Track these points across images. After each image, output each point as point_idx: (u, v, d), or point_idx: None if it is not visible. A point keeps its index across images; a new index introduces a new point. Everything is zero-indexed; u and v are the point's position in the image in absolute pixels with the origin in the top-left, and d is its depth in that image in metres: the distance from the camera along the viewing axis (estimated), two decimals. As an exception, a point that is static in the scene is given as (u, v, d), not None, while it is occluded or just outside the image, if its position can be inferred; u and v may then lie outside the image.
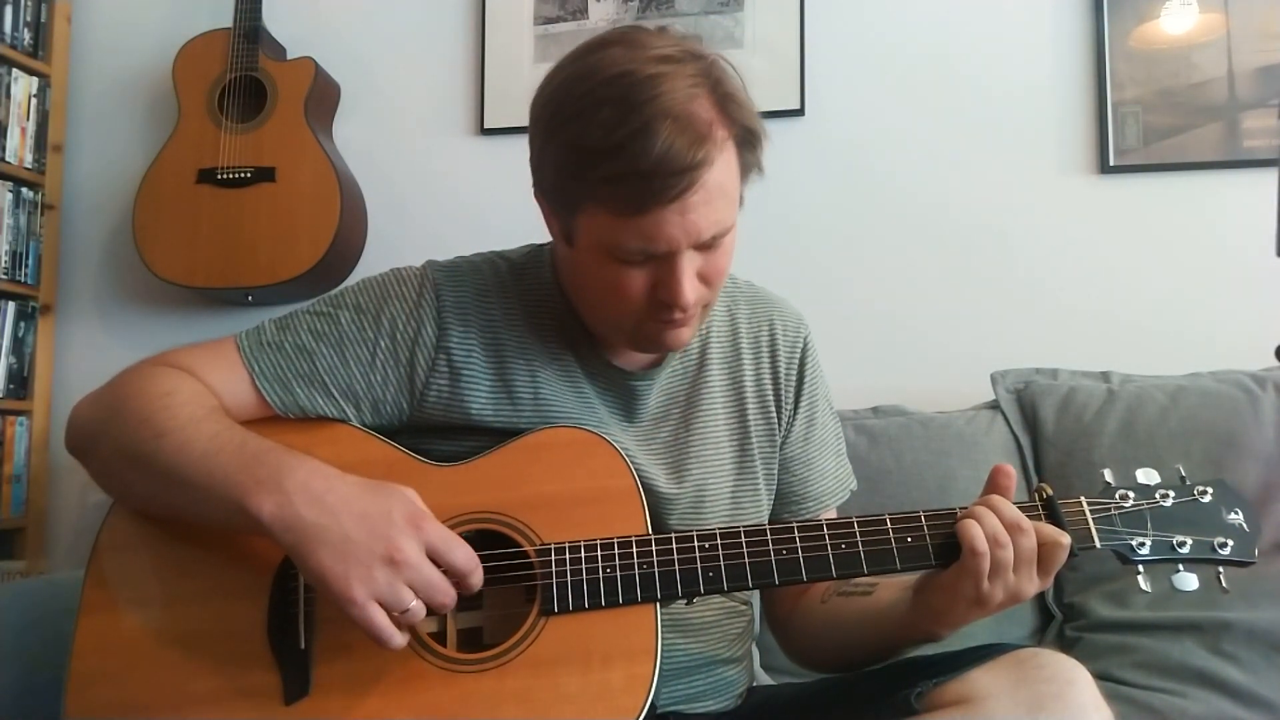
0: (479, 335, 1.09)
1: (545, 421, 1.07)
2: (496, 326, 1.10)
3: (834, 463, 1.23)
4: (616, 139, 0.90)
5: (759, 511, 1.17)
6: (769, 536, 0.97)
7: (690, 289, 0.97)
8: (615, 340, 1.10)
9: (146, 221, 2.15)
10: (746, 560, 0.96)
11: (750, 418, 1.16)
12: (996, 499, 0.96)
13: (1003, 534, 0.92)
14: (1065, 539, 0.93)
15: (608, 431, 1.08)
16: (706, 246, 0.97)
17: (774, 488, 1.19)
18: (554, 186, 1.00)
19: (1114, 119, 2.02)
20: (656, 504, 1.07)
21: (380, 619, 0.87)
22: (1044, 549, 0.93)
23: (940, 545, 0.96)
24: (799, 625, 1.19)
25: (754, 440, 1.16)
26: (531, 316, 1.12)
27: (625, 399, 1.12)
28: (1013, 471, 1.00)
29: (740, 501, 1.15)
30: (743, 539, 0.97)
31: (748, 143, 0.99)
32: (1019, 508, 0.97)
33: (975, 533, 0.92)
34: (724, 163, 0.95)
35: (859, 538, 0.97)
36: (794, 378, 1.20)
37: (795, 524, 0.98)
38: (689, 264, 0.97)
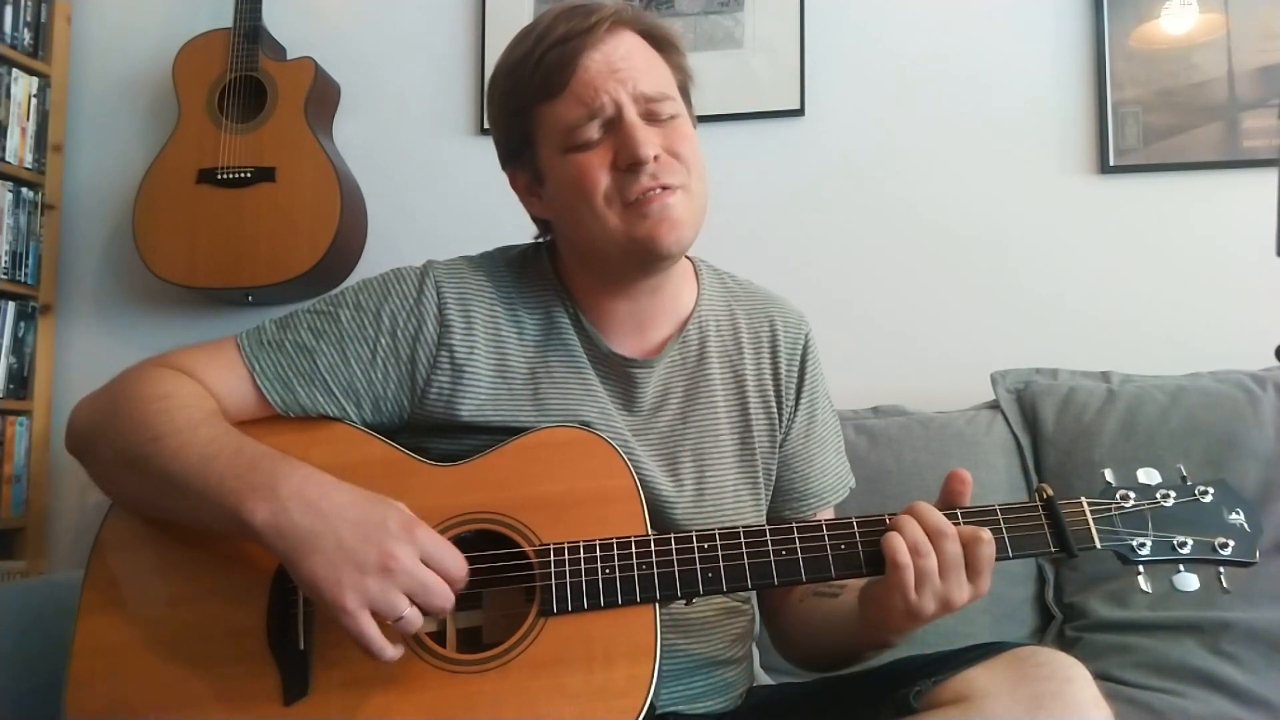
0: (481, 332, 1.09)
1: (546, 417, 1.07)
2: (499, 322, 1.10)
3: (834, 460, 1.23)
4: (530, 43, 1.05)
5: (759, 508, 1.17)
6: (768, 537, 0.97)
7: (646, 140, 1.02)
8: (615, 259, 1.07)
9: (146, 221, 2.15)
10: (745, 561, 0.96)
11: (752, 412, 1.16)
12: (921, 506, 0.94)
13: (924, 542, 0.91)
14: (984, 534, 0.91)
15: (610, 425, 1.08)
16: (654, 116, 1.04)
17: (772, 484, 1.19)
18: (508, 129, 1.11)
19: (1114, 119, 2.02)
20: (657, 502, 1.07)
21: (370, 629, 0.87)
22: (967, 550, 0.91)
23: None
24: (780, 623, 1.21)
25: (755, 435, 1.16)
26: (533, 311, 1.12)
27: (625, 386, 1.12)
28: (967, 476, 0.97)
29: (741, 495, 1.15)
30: (741, 540, 0.97)
31: (656, 38, 1.09)
32: (1019, 508, 0.97)
33: (897, 544, 0.91)
34: (635, 40, 1.06)
35: (859, 538, 0.96)
36: (795, 374, 1.20)
37: (795, 524, 0.98)
38: (639, 123, 1.03)
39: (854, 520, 0.96)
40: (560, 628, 0.94)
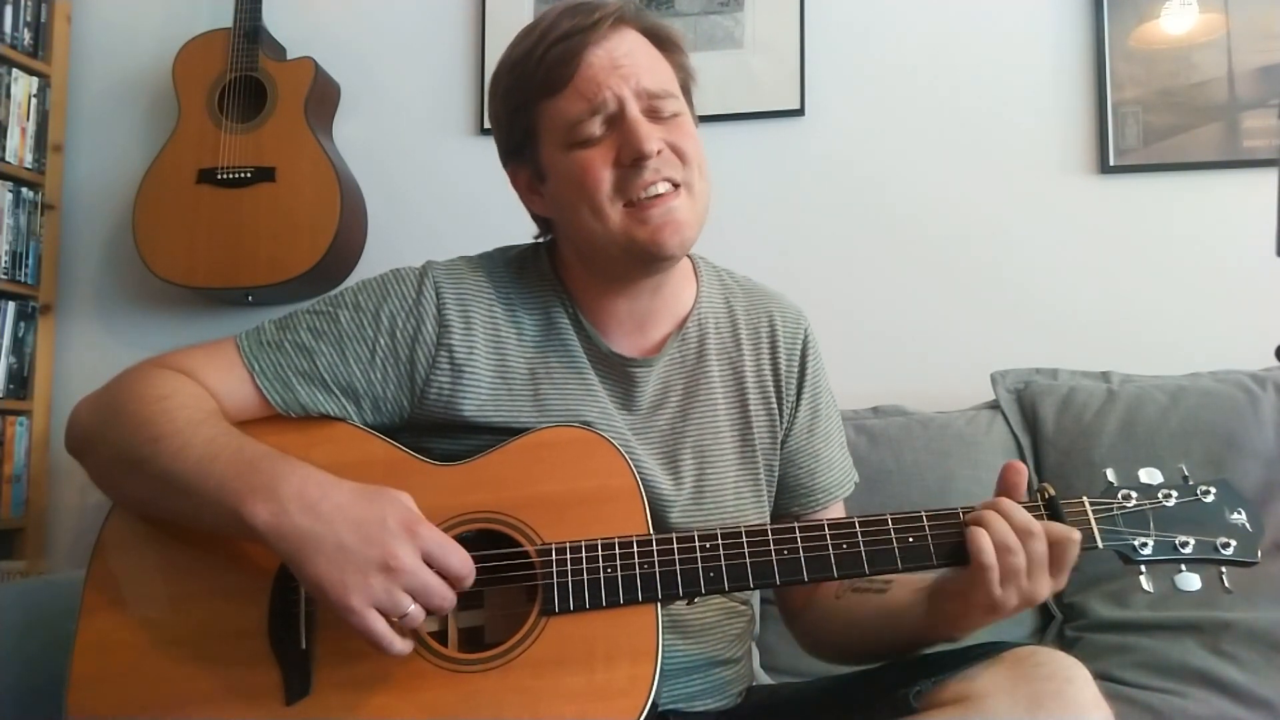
0: (480, 332, 1.09)
1: (546, 417, 1.07)
2: (498, 323, 1.10)
3: (839, 454, 1.24)
4: (533, 40, 1.06)
5: (760, 506, 1.17)
6: (770, 536, 0.97)
7: (648, 135, 1.02)
8: (617, 259, 1.07)
9: (146, 221, 2.15)
10: (748, 560, 0.96)
11: (752, 410, 1.16)
12: (1006, 503, 0.95)
13: (1013, 540, 0.91)
14: (1075, 534, 0.92)
15: (609, 424, 1.08)
16: (657, 114, 1.05)
17: (775, 482, 1.19)
18: (510, 126, 1.11)
19: (1114, 119, 2.02)
20: (657, 500, 1.07)
21: (379, 626, 0.87)
22: (1055, 549, 0.92)
23: (942, 546, 0.95)
24: (813, 620, 1.19)
25: (755, 433, 1.16)
26: (532, 311, 1.12)
27: (624, 386, 1.12)
28: (1023, 468, 0.99)
29: (741, 493, 1.15)
30: (744, 539, 0.97)
31: (658, 37, 1.09)
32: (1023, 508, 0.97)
33: (984, 544, 0.91)
34: (637, 38, 1.07)
35: (860, 537, 0.96)
36: (795, 370, 1.20)
37: (797, 524, 0.98)
38: (641, 119, 1.03)
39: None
40: (562, 627, 0.94)
